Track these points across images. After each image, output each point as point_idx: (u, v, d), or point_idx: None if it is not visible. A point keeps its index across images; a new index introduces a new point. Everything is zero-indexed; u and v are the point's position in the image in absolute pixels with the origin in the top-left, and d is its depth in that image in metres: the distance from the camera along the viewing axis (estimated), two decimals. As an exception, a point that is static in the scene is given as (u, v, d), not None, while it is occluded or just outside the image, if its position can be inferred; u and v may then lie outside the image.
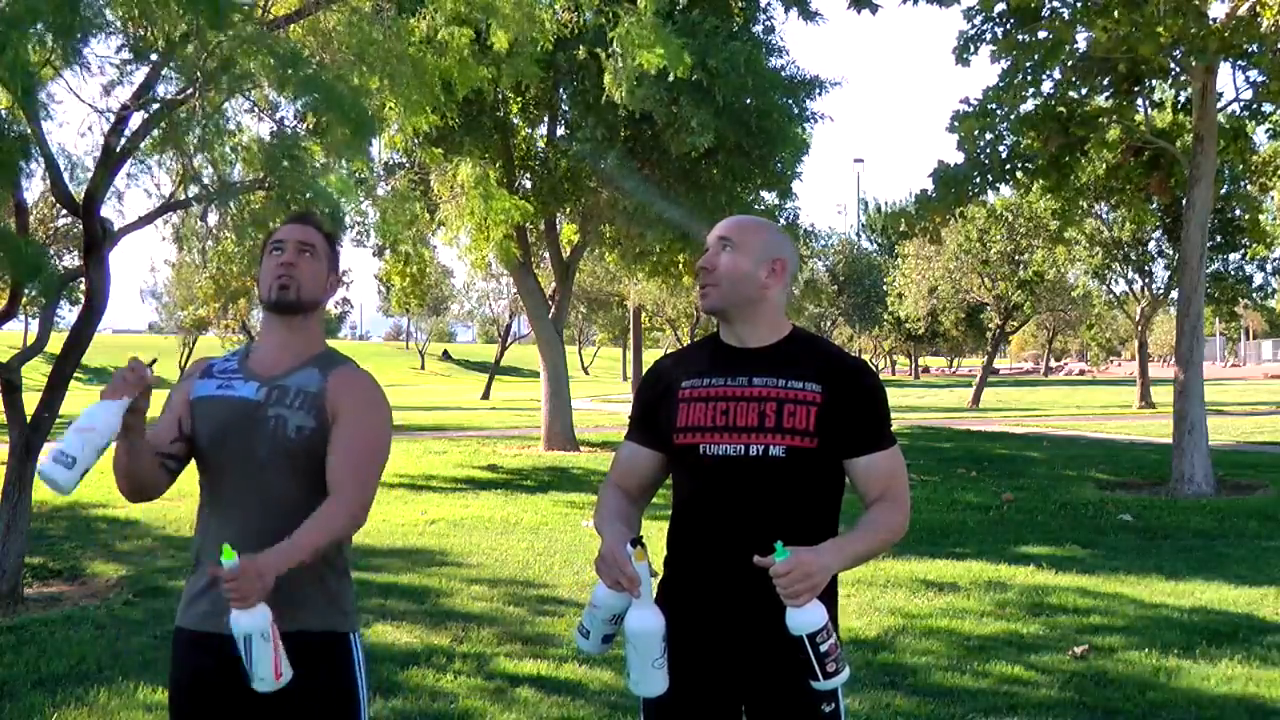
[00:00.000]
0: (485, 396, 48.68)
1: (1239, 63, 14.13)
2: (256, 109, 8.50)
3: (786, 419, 2.67)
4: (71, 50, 6.34)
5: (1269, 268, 33.72)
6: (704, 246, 2.86)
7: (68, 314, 24.47)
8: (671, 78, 10.74)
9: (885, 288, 48.00)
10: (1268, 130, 16.89)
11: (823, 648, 2.51)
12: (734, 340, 2.81)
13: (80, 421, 2.65)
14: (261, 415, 2.88)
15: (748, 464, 2.67)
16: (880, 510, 2.72)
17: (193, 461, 3.01)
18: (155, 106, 7.58)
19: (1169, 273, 32.42)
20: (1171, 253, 31.18)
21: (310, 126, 9.21)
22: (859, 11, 13.33)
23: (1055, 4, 13.79)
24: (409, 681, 6.01)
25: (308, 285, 2.96)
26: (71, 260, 20.62)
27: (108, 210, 7.89)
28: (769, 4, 18.79)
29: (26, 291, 7.53)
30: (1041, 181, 15.76)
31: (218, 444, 2.90)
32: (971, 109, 14.39)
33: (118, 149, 7.59)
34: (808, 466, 2.69)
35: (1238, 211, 26.44)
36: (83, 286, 8.12)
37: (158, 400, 2.77)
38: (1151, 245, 33.41)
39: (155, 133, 7.48)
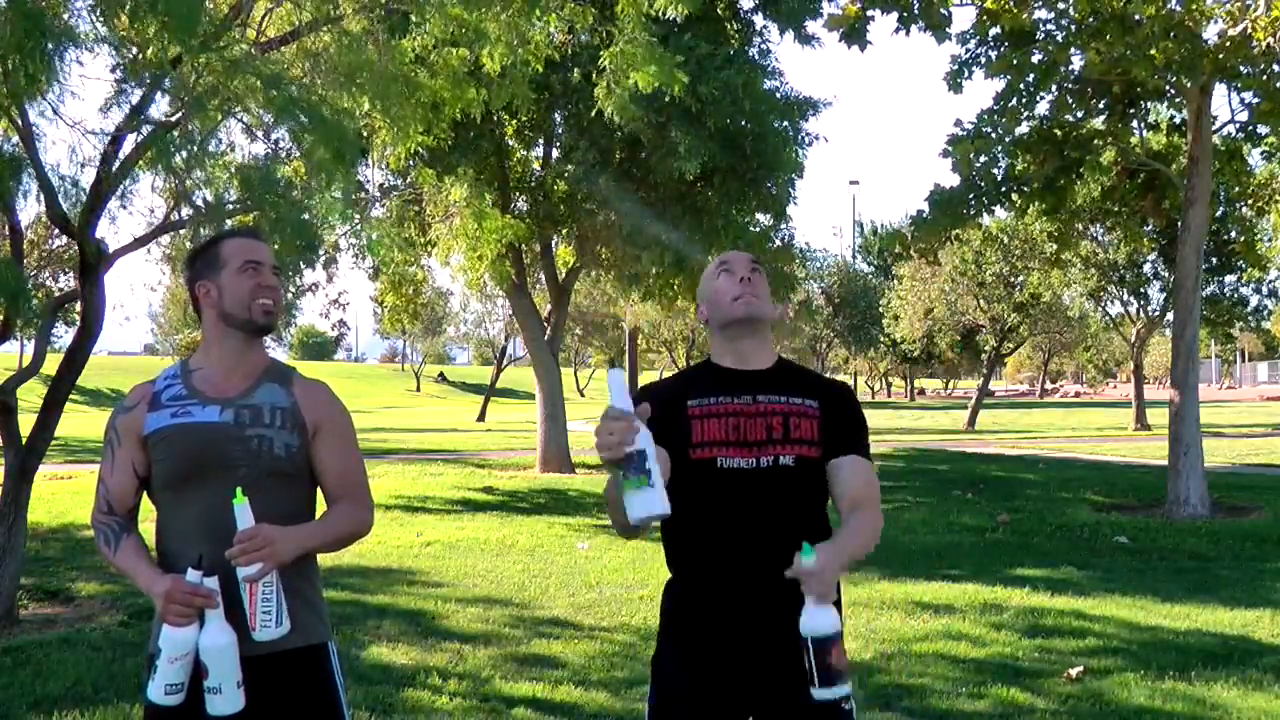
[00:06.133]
0: (481, 418, 48.71)
1: (1234, 84, 14.17)
2: (250, 130, 8.50)
3: (793, 430, 2.80)
4: (53, 74, 6.32)
5: (1264, 290, 33.78)
6: (718, 266, 2.97)
7: (64, 335, 24.51)
8: (667, 98, 10.73)
9: (881, 310, 47.96)
10: (1263, 152, 16.91)
11: (831, 654, 2.48)
12: (734, 362, 2.92)
13: (169, 651, 2.64)
14: (238, 437, 2.83)
15: (759, 475, 2.77)
16: (865, 515, 2.77)
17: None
18: (147, 128, 7.58)
19: (1164, 295, 32.47)
20: (1167, 275, 31.22)
21: (302, 149, 9.21)
22: (849, 46, 13.41)
23: (1049, 27, 13.84)
24: (405, 702, 5.99)
25: (280, 307, 2.99)
26: (67, 282, 20.59)
27: (102, 231, 7.90)
28: (764, 27, 18.87)
29: (19, 314, 7.51)
30: (1039, 204, 15.79)
31: (186, 474, 2.81)
32: (966, 132, 14.44)
33: (111, 170, 7.59)
34: (812, 474, 2.81)
35: (1233, 234, 26.49)
36: (78, 308, 8.11)
37: (93, 426, 2.73)
38: (1147, 267, 33.41)
39: (148, 154, 7.47)
